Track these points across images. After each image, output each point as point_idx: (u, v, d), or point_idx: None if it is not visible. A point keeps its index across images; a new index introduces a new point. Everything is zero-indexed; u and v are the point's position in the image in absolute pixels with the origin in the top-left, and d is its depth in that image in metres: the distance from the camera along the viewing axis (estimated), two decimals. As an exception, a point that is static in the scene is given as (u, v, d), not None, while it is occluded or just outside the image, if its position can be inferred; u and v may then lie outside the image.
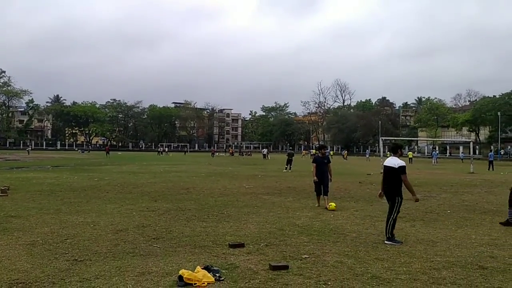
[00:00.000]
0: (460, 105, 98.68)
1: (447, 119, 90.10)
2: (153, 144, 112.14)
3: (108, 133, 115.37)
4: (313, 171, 11.46)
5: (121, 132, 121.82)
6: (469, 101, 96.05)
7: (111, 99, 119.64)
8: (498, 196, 13.79)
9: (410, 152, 56.65)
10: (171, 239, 7.02)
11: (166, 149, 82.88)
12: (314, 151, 69.27)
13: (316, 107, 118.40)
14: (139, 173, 23.76)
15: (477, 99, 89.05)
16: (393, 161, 7.23)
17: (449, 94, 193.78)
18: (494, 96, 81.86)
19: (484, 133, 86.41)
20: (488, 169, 32.01)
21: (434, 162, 47.29)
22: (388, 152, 57.84)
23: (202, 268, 4.99)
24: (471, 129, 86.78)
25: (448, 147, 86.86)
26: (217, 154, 74.28)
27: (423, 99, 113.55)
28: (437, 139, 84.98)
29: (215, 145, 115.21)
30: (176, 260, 5.72)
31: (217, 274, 4.92)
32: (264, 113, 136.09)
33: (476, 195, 14.44)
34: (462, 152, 72.80)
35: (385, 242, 6.97)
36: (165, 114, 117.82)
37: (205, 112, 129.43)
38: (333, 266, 5.47)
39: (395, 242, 6.93)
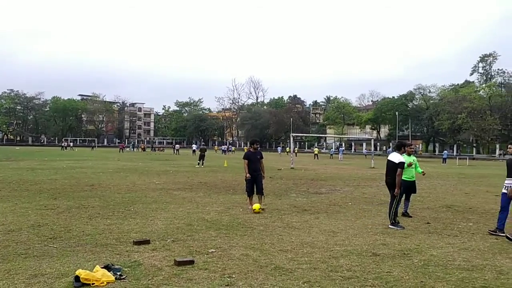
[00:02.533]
0: (364, 105, 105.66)
1: (353, 117, 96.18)
2: (56, 138, 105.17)
3: (4, 126, 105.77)
4: (245, 167, 10.33)
5: (19, 125, 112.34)
6: (371, 101, 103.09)
7: (7, 89, 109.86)
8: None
9: (316, 149, 57.68)
10: (70, 238, 6.60)
11: (71, 144, 78.31)
12: (225, 146, 69.98)
13: (230, 103, 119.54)
14: (38, 169, 22.04)
15: (379, 100, 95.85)
16: (396, 157, 8.08)
17: (355, 94, 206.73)
18: (393, 97, 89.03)
19: (384, 131, 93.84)
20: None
21: (340, 158, 50.12)
22: (316, 148, 59.52)
23: (102, 267, 4.74)
24: (373, 127, 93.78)
25: (353, 144, 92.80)
26: (127, 149, 71.47)
27: (331, 98, 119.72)
28: (344, 136, 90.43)
29: (126, 140, 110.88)
30: (74, 260, 5.38)
31: (118, 273, 4.70)
32: (178, 108, 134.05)
33: (375, 188, 15.54)
34: (365, 149, 78.05)
35: (389, 226, 7.90)
36: (70, 106, 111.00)
37: (115, 106, 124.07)
38: (238, 259, 5.53)
39: (399, 227, 7.82)
